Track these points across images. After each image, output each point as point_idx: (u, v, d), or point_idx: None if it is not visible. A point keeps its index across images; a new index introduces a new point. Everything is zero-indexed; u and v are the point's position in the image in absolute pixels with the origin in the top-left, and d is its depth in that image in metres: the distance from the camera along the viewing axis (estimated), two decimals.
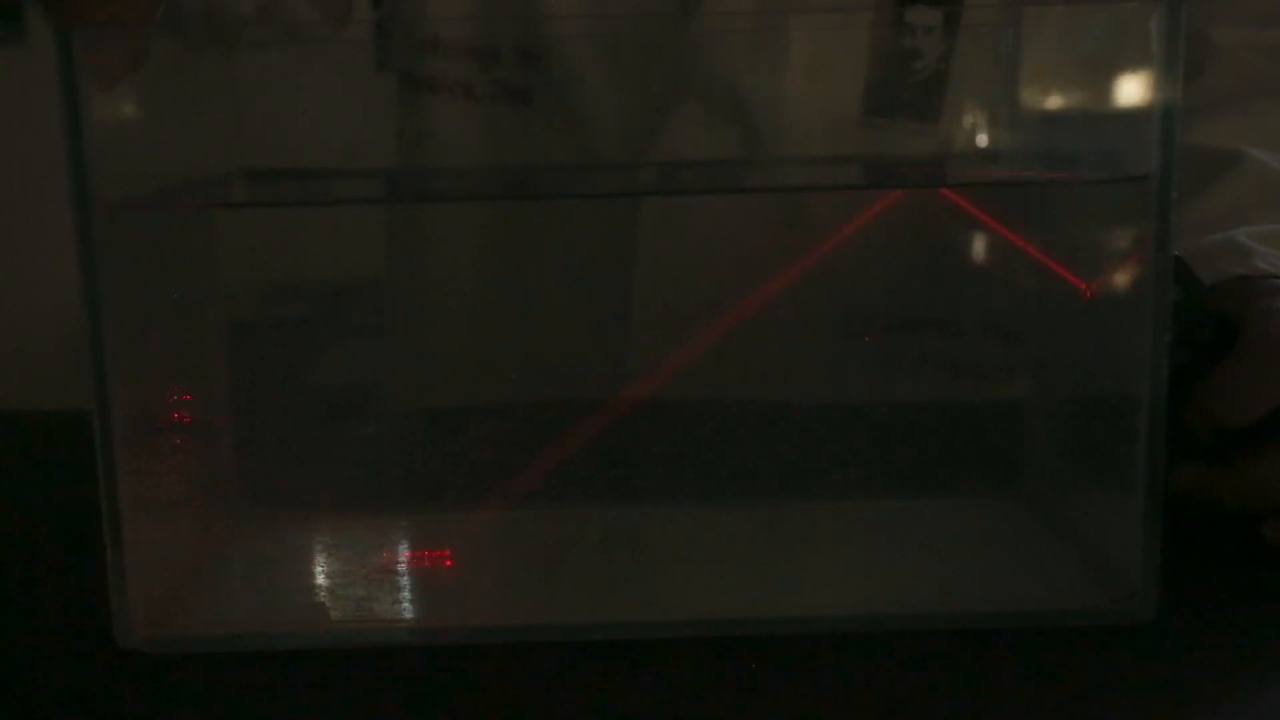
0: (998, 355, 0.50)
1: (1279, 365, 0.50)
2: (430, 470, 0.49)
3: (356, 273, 0.52)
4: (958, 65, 0.59)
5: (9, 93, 1.37)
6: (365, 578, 0.46)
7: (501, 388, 0.50)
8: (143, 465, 0.43)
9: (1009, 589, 0.46)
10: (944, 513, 0.52)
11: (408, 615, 0.45)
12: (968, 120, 0.55)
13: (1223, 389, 0.50)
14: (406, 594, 0.46)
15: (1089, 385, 0.48)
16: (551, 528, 0.50)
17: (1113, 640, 0.42)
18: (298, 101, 0.51)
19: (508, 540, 0.50)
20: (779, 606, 0.45)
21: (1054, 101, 0.50)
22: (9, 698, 0.40)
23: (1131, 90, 0.43)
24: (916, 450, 0.50)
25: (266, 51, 0.52)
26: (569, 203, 0.54)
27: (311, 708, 0.39)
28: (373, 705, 0.39)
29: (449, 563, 0.48)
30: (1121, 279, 0.45)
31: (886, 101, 0.59)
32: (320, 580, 0.48)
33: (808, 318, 0.50)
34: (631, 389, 0.49)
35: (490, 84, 0.58)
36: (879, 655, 0.41)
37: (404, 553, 0.48)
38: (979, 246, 0.51)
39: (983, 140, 0.53)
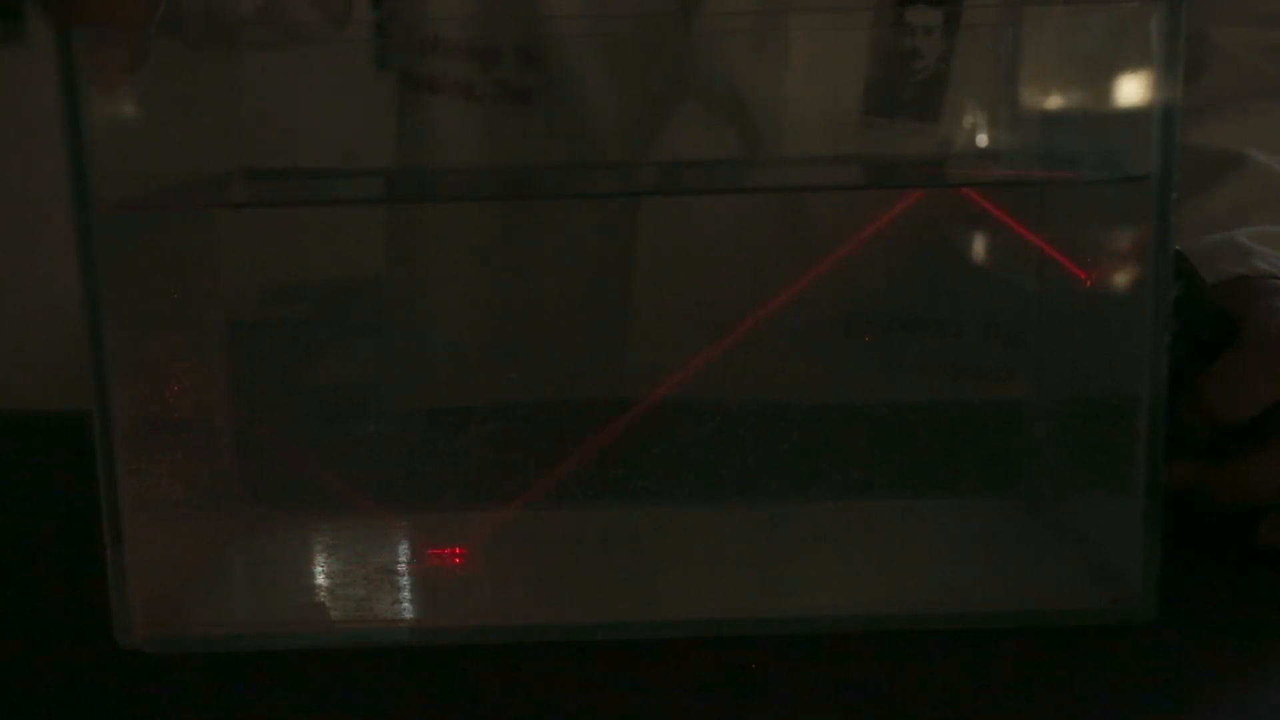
0: (998, 355, 0.50)
1: (1278, 362, 0.50)
2: (430, 470, 0.49)
3: (356, 273, 0.52)
4: (958, 65, 0.59)
5: (9, 93, 1.37)
6: (365, 578, 0.46)
7: (501, 388, 0.50)
8: (143, 465, 0.43)
9: (1009, 589, 0.46)
10: (944, 513, 0.52)
11: (408, 615, 0.45)
12: (968, 120, 0.55)
13: (1221, 384, 0.50)
14: (406, 594, 0.46)
15: (1089, 385, 0.48)
16: (552, 528, 0.50)
17: (1113, 640, 0.42)
18: (298, 101, 0.51)
19: (508, 540, 0.50)
20: (779, 606, 0.45)
21: (1054, 101, 0.50)
22: (9, 698, 0.40)
23: (1131, 90, 0.43)
24: (917, 450, 0.50)
25: (266, 51, 0.52)
26: (569, 203, 0.54)
27: (311, 708, 0.39)
28: (373, 705, 0.39)
29: (458, 560, 0.48)
30: (1121, 280, 0.45)
31: (886, 101, 0.59)
32: (320, 580, 0.48)
33: (808, 318, 0.50)
34: (631, 389, 0.49)
35: (490, 84, 0.58)
36: (879, 655, 0.41)
37: (406, 552, 0.48)
38: (979, 246, 0.51)
39: (983, 140, 0.53)
